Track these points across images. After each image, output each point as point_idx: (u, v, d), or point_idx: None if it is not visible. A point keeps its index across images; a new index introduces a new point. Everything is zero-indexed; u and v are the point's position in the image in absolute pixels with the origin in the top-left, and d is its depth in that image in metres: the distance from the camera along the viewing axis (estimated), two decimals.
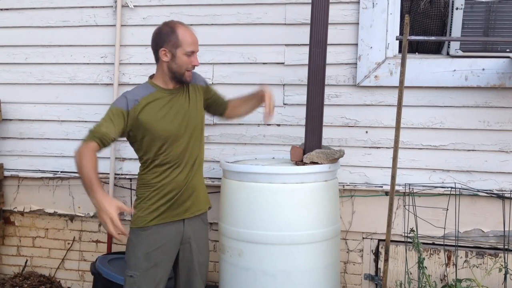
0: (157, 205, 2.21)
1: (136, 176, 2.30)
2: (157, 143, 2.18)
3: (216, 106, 2.48)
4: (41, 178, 3.32)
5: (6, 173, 3.33)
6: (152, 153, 2.19)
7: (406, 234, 2.85)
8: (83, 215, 3.30)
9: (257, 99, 2.46)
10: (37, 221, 3.39)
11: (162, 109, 2.19)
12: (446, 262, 2.86)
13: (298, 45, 2.94)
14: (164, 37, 2.17)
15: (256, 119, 3.00)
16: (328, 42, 2.51)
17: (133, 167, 3.16)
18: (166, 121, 2.18)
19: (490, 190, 2.83)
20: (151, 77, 2.29)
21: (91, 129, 2.10)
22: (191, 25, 2.63)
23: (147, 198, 2.22)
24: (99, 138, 2.06)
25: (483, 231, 2.86)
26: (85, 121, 3.22)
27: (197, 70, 2.31)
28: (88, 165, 1.99)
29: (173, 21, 2.23)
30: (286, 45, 2.97)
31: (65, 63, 3.22)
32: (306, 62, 2.54)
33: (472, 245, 2.87)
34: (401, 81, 2.25)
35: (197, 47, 2.22)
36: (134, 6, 3.10)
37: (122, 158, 3.18)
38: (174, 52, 2.17)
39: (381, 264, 2.91)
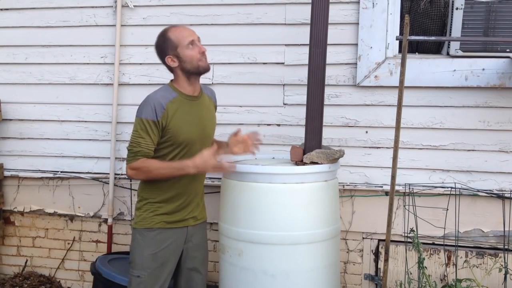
0: (164, 210, 2.22)
1: None
2: (176, 148, 2.19)
3: None
4: (41, 178, 3.32)
5: (6, 173, 3.33)
6: (169, 157, 2.19)
7: (406, 234, 2.85)
8: (83, 215, 3.30)
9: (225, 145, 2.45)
10: (37, 221, 3.39)
11: (185, 116, 2.20)
12: (446, 262, 2.86)
13: (298, 45, 2.94)
14: (163, 47, 2.21)
15: (256, 119, 3.00)
16: (328, 42, 2.51)
17: None
18: (187, 128, 2.19)
19: (490, 190, 2.82)
20: (171, 81, 2.29)
21: (132, 149, 2.14)
22: (191, 25, 2.66)
23: (154, 200, 2.23)
24: (143, 156, 2.13)
25: (483, 231, 2.86)
26: (85, 121, 3.23)
27: None
28: (157, 165, 2.13)
29: (163, 30, 2.24)
30: (286, 45, 2.97)
31: (65, 63, 3.22)
32: (306, 62, 2.54)
33: (472, 245, 2.87)
34: (401, 81, 2.25)
35: (194, 35, 2.20)
36: (134, 6, 3.10)
37: (122, 158, 3.17)
38: (177, 53, 2.18)
39: (381, 264, 2.90)
